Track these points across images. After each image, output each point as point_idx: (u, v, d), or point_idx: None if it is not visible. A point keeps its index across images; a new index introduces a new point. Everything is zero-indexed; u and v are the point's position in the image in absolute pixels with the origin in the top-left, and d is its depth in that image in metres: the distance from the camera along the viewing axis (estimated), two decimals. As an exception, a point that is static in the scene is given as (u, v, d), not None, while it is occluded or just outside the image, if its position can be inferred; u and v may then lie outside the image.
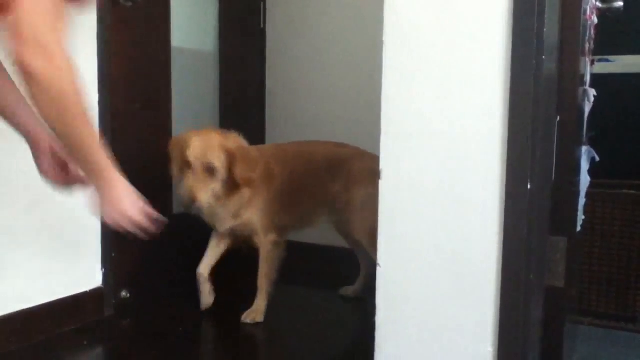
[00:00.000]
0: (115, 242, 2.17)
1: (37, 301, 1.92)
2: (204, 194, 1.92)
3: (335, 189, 2.24)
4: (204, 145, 1.94)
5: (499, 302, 1.29)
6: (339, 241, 2.51)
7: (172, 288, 2.40)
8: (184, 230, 2.50)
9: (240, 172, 1.95)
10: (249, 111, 2.92)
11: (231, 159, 1.94)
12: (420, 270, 1.39)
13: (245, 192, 2.05)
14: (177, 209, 2.48)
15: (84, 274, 2.11)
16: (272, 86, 2.96)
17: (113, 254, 2.18)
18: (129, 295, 2.25)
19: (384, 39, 1.40)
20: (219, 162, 1.93)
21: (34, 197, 1.90)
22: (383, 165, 1.43)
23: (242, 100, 2.88)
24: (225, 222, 2.13)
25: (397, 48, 1.39)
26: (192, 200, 1.91)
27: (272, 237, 2.14)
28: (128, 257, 2.25)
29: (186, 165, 1.94)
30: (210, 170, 1.93)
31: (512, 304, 1.28)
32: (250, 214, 2.10)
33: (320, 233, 2.54)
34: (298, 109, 2.89)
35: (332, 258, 2.62)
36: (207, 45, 2.71)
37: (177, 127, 2.44)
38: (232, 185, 1.98)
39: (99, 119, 2.07)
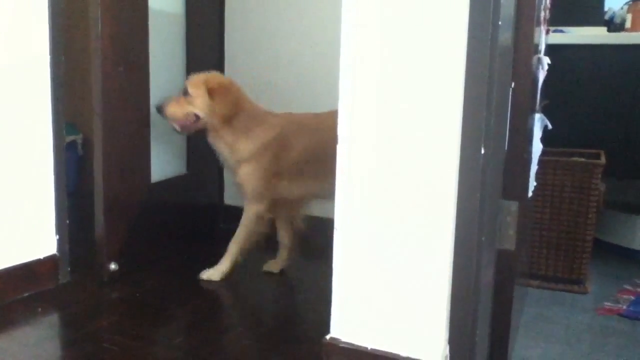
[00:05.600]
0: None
1: (-12, 268, 1.89)
2: (171, 107, 2.14)
3: None
4: (192, 78, 2.17)
5: (452, 263, 1.33)
6: (314, 210, 2.54)
7: (142, 256, 2.37)
8: (161, 199, 2.49)
9: (214, 107, 2.10)
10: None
11: (212, 95, 2.11)
12: (375, 232, 1.41)
13: (232, 136, 2.14)
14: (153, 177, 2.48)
15: (38, 241, 2.07)
16: (231, 50, 2.91)
17: (68, 221, 2.14)
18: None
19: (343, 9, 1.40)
20: (193, 89, 2.12)
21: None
22: (340, 129, 1.44)
23: (204, 64, 2.82)
24: (231, 170, 2.24)
25: (357, 13, 1.38)
26: (160, 107, 2.16)
27: (259, 206, 2.17)
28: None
29: None
30: (185, 94, 2.14)
31: (464, 264, 1.31)
32: (243, 174, 2.15)
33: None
34: (257, 73, 2.85)
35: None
36: (176, 7, 2.65)
37: (153, 87, 2.38)
38: (219, 121, 2.13)
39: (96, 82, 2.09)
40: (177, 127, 2.17)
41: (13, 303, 1.93)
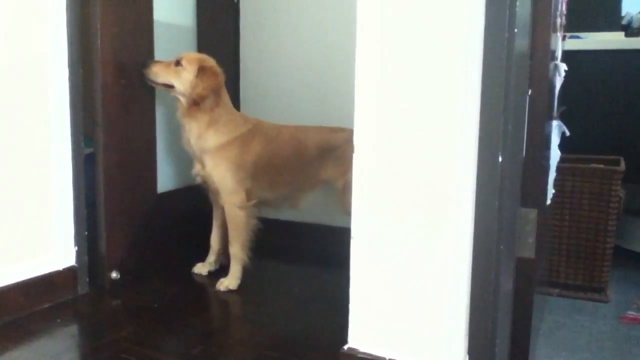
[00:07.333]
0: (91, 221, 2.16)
1: (10, 280, 1.90)
2: (157, 67, 2.22)
3: (329, 174, 2.31)
4: (189, 54, 2.27)
5: (471, 272, 1.32)
6: (331, 220, 2.64)
7: (151, 265, 2.40)
8: (168, 209, 2.50)
9: (198, 85, 2.16)
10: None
11: (201, 73, 2.17)
12: (392, 241, 1.40)
13: (205, 123, 2.20)
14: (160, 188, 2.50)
15: (58, 252, 2.09)
16: (246, 61, 2.93)
17: (86, 233, 2.16)
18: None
19: (357, 9, 1.40)
20: (187, 63, 2.19)
21: (5, 177, 1.87)
22: (356, 139, 1.44)
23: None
24: (195, 164, 2.28)
25: (371, 23, 1.39)
26: (146, 64, 2.22)
27: (235, 197, 2.21)
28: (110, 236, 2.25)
29: None
30: (177, 64, 2.20)
31: (483, 273, 1.30)
32: (211, 166, 2.21)
33: (309, 212, 2.62)
34: (272, 83, 2.87)
35: (319, 236, 2.72)
36: (186, 20, 2.68)
37: (158, 101, 2.41)
38: (196, 98, 2.17)
39: (97, 93, 2.13)
40: (153, 83, 2.26)
41: (33, 314, 1.95)
